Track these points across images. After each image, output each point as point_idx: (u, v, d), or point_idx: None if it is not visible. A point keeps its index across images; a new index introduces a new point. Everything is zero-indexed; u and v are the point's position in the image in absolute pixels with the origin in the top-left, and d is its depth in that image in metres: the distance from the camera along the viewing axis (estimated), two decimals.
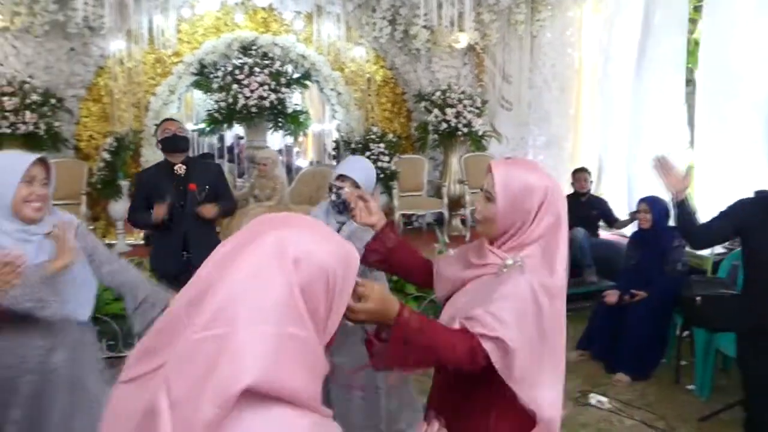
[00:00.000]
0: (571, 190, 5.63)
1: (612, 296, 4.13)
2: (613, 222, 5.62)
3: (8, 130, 5.45)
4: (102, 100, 6.45)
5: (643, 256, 4.14)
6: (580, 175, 5.70)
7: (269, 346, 0.75)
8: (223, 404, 0.71)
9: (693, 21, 6.24)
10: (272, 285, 0.77)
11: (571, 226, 5.49)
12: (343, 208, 2.44)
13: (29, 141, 5.49)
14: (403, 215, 6.77)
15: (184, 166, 3.43)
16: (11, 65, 5.90)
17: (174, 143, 3.42)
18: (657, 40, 5.66)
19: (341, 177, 2.49)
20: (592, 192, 5.91)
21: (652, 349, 3.95)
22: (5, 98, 5.48)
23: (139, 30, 6.21)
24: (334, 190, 2.47)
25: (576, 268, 5.17)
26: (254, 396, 0.73)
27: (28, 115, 5.51)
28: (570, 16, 7.10)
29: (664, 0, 5.62)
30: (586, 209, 5.52)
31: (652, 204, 4.08)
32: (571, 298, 5.23)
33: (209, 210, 3.39)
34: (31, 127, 5.49)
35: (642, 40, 5.84)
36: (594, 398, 3.61)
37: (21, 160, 1.92)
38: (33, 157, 1.92)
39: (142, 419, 0.74)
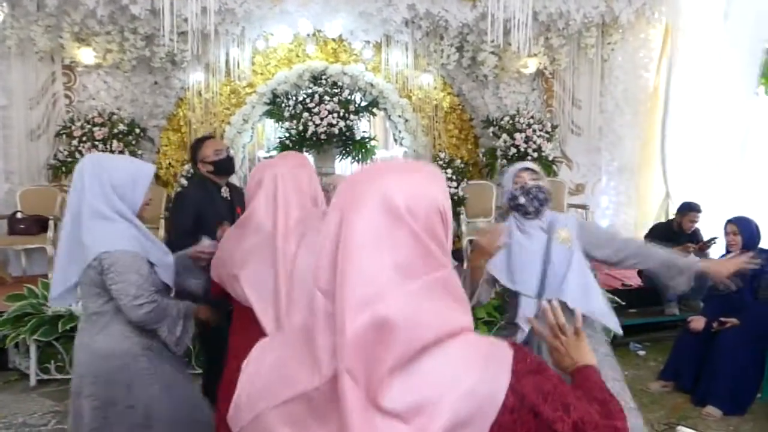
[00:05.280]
0: (656, 220, 5.20)
1: (698, 322, 3.89)
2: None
3: None
4: (181, 130, 6.78)
5: (731, 281, 3.88)
6: (692, 215, 5.00)
7: (418, 301, 0.76)
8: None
9: None
10: (399, 242, 0.76)
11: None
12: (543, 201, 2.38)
13: None
14: (471, 241, 6.69)
15: (228, 189, 3.15)
16: (102, 99, 6.34)
17: (231, 166, 3.19)
18: (733, 57, 5.44)
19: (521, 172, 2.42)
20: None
21: (746, 381, 3.68)
22: (96, 128, 5.87)
23: (216, 63, 6.53)
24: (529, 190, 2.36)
25: (657, 299, 4.90)
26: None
27: (115, 143, 5.87)
28: (642, 38, 6.92)
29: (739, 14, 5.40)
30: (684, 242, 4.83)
31: (741, 225, 3.84)
32: (652, 328, 4.93)
33: None
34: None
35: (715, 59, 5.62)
36: (682, 431, 3.38)
37: (149, 168, 2.16)
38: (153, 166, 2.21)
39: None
